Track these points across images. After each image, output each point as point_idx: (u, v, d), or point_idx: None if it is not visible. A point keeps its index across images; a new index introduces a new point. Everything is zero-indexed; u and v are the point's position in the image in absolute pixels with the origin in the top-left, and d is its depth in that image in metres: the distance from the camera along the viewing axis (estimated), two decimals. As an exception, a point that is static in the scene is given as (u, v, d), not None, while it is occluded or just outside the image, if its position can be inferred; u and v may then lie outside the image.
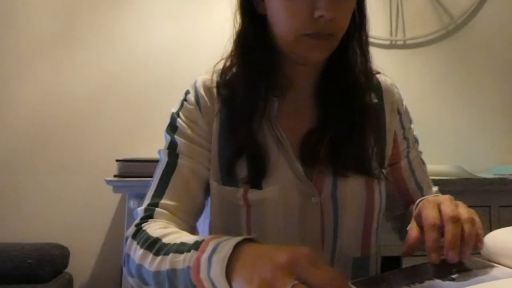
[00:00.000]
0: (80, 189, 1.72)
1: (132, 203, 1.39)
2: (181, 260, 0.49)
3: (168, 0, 1.83)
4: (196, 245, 0.49)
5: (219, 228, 0.69)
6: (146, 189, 0.71)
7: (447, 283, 0.47)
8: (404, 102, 0.78)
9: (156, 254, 0.55)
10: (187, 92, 0.76)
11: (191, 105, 0.73)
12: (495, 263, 0.53)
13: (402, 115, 0.76)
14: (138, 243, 0.59)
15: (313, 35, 0.61)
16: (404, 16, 1.93)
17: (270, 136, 0.67)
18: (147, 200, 0.69)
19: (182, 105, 0.75)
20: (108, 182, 1.38)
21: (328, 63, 0.70)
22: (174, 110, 0.75)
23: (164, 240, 0.56)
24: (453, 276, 0.48)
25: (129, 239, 0.62)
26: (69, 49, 1.77)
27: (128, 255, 0.61)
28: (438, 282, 0.48)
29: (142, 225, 0.63)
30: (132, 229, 0.63)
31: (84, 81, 1.76)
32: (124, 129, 1.76)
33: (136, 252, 0.58)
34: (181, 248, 0.51)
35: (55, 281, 1.48)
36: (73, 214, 1.71)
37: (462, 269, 0.50)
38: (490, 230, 0.57)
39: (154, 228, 0.61)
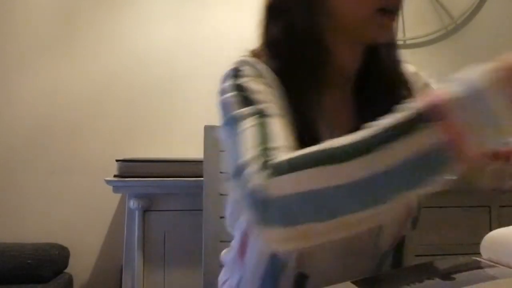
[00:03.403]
0: (80, 189, 1.72)
1: (132, 203, 1.39)
2: (405, 142, 0.39)
3: (168, 0, 1.83)
4: (412, 114, 0.40)
5: None
6: (228, 161, 0.56)
7: (447, 282, 0.47)
8: (428, 81, 0.75)
9: (338, 161, 0.43)
10: (235, 70, 0.63)
11: (255, 75, 0.61)
12: (495, 263, 0.53)
13: None
14: (286, 172, 0.46)
15: (386, 11, 0.60)
16: (404, 16, 1.93)
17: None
18: (248, 155, 0.51)
19: (238, 77, 0.62)
20: (108, 182, 1.38)
21: (364, 58, 0.68)
22: (229, 93, 0.61)
23: (335, 145, 0.45)
24: (453, 276, 0.48)
25: (261, 182, 0.47)
26: (69, 49, 1.77)
27: (265, 201, 0.46)
28: (438, 281, 0.48)
29: (271, 161, 0.48)
30: (257, 176, 0.47)
31: (84, 81, 1.76)
32: (124, 129, 1.76)
33: (288, 182, 0.45)
34: (384, 134, 0.41)
35: (55, 281, 1.48)
36: (73, 214, 1.71)
37: (463, 269, 0.50)
38: (490, 230, 0.57)
39: (297, 153, 0.48)
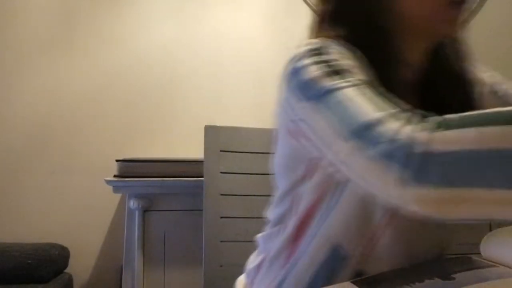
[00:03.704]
0: (80, 189, 1.72)
1: (132, 203, 1.39)
2: None
3: (168, 0, 1.83)
4: None
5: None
6: (334, 127, 0.50)
7: (447, 282, 0.47)
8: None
9: None
10: (317, 48, 0.58)
11: (340, 52, 0.57)
12: (495, 263, 0.53)
13: None
14: (454, 127, 0.42)
15: (454, 4, 0.59)
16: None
17: None
18: (377, 114, 0.47)
19: (322, 54, 0.57)
20: (108, 182, 1.38)
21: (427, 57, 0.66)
22: (315, 69, 0.55)
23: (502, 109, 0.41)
24: (454, 275, 0.48)
25: (423, 135, 0.42)
26: (69, 49, 1.77)
27: (424, 155, 0.41)
28: (438, 281, 0.48)
29: (423, 118, 0.45)
30: (415, 130, 0.43)
31: (84, 81, 1.76)
32: (124, 129, 1.76)
33: (458, 137, 0.41)
34: None
35: (55, 281, 1.48)
36: (73, 214, 1.71)
37: (463, 269, 0.50)
38: (490, 230, 0.57)
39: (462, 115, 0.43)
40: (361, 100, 0.49)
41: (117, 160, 1.43)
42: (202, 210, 1.15)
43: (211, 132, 1.20)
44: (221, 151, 1.20)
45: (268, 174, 1.25)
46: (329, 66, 0.55)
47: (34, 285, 1.41)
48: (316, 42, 0.60)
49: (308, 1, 1.93)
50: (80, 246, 1.68)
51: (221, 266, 1.12)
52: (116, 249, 1.68)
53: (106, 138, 1.75)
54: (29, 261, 1.44)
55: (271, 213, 0.71)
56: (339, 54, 0.57)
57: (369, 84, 0.52)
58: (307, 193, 0.61)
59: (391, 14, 0.61)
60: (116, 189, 1.40)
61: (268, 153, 1.27)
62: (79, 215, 1.71)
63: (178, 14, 1.83)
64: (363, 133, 0.46)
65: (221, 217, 1.16)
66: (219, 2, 1.85)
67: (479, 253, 0.56)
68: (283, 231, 0.66)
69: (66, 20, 1.77)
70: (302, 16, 1.93)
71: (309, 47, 0.59)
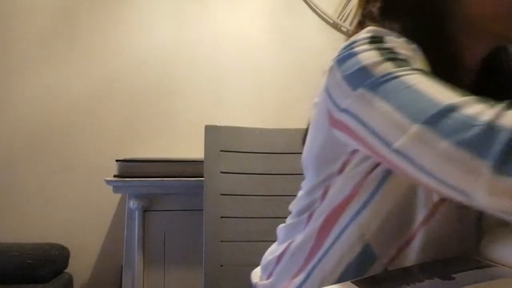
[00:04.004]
0: (80, 189, 1.72)
1: (132, 203, 1.39)
2: None
3: (168, 1, 1.83)
4: None
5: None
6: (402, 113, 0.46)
7: (447, 282, 0.47)
8: None
9: None
10: (375, 37, 0.55)
11: (398, 42, 0.54)
12: (495, 263, 0.53)
13: None
14: None
15: None
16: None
17: None
18: (453, 99, 0.44)
19: (381, 42, 0.54)
20: (108, 182, 1.38)
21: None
22: (376, 57, 0.52)
23: None
24: (453, 275, 0.48)
25: None
26: (69, 49, 1.77)
27: None
28: (438, 281, 0.48)
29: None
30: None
31: (83, 81, 1.76)
32: (124, 129, 1.76)
33: None
34: None
35: (55, 281, 1.48)
36: (73, 214, 1.71)
37: (463, 269, 0.50)
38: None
39: None
40: (432, 87, 0.46)
41: (117, 160, 1.43)
42: (202, 210, 1.15)
43: (211, 132, 1.21)
44: (221, 151, 1.20)
45: (268, 174, 1.25)
46: (393, 53, 0.52)
47: (34, 285, 1.41)
48: (377, 30, 0.56)
49: (308, 1, 1.93)
50: (80, 246, 1.68)
51: (221, 266, 1.12)
52: (116, 249, 1.68)
53: (106, 138, 1.75)
54: (29, 261, 1.44)
55: (297, 204, 0.68)
56: (401, 44, 0.54)
57: (433, 75, 0.49)
58: (340, 187, 0.59)
59: (457, 17, 0.58)
60: (116, 189, 1.40)
61: (268, 153, 1.27)
62: (79, 215, 1.71)
63: (178, 14, 1.83)
64: (441, 119, 0.42)
65: (221, 217, 1.16)
66: (219, 2, 1.85)
67: (480, 253, 0.56)
68: (309, 222, 0.63)
69: (66, 21, 1.77)
70: (302, 16, 1.93)
71: (370, 34, 0.56)
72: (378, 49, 0.53)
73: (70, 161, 1.73)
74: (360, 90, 0.51)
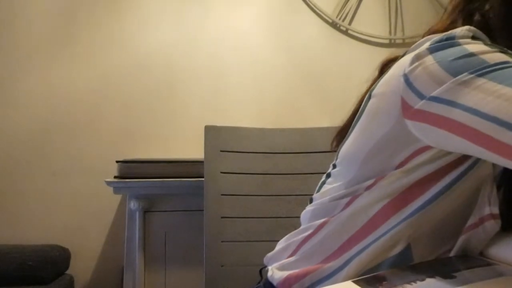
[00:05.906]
0: (80, 190, 1.72)
1: (132, 204, 1.39)
2: None
3: (167, 2, 1.83)
4: None
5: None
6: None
7: (448, 281, 0.47)
8: None
9: None
10: (481, 38, 0.53)
11: (489, 44, 0.51)
12: (496, 261, 0.53)
13: None
14: None
15: None
16: (403, 15, 1.93)
17: None
18: None
19: (469, 43, 0.51)
20: (108, 183, 1.38)
21: None
22: (464, 55, 0.49)
23: None
24: (455, 274, 0.48)
25: None
26: (69, 51, 1.77)
27: None
28: (439, 280, 0.48)
29: None
30: None
31: (83, 82, 1.76)
32: (124, 130, 1.76)
33: None
34: None
35: (56, 282, 1.48)
36: (74, 215, 1.71)
37: (464, 267, 0.50)
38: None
39: None
40: None
41: (117, 161, 1.43)
42: (202, 210, 1.15)
43: (211, 132, 1.21)
44: (221, 151, 1.20)
45: (268, 174, 1.25)
46: (491, 45, 0.49)
47: (35, 286, 1.41)
48: (478, 31, 0.54)
49: (308, 1, 1.93)
50: (81, 247, 1.68)
51: (222, 266, 1.12)
52: (117, 250, 1.68)
53: (106, 139, 1.75)
54: (30, 263, 1.44)
55: (328, 193, 0.64)
56: (489, 46, 0.51)
57: None
58: (396, 182, 0.56)
59: None
60: (116, 190, 1.40)
61: (268, 153, 1.27)
62: (79, 216, 1.71)
63: (177, 14, 1.83)
64: None
65: (222, 217, 1.16)
66: (219, 2, 1.85)
67: (481, 252, 0.56)
68: (347, 208, 0.60)
69: (66, 23, 1.77)
70: (301, 16, 1.93)
71: (471, 33, 0.53)
72: (485, 43, 0.50)
73: (71, 162, 1.73)
74: (465, 76, 0.47)
